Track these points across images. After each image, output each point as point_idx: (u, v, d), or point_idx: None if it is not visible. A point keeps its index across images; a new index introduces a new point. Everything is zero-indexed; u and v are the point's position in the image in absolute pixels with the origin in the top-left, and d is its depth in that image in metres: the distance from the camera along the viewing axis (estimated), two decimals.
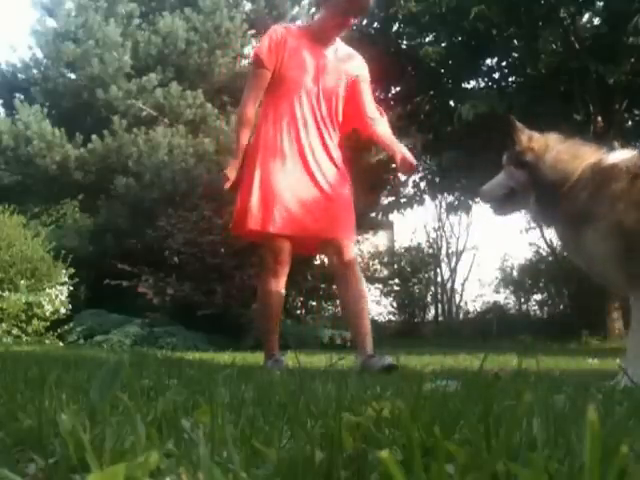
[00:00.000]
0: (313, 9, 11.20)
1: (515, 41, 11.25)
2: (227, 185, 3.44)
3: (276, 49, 3.31)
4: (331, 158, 3.43)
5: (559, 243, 17.59)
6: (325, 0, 3.35)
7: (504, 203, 2.58)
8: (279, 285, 3.41)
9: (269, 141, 3.35)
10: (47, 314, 9.29)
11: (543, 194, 2.34)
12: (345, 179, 3.50)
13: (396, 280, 16.23)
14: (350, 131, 3.76)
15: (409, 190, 13.86)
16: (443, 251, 19.02)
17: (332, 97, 3.49)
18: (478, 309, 17.68)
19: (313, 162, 3.36)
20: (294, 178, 3.33)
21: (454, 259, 19.20)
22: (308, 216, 3.33)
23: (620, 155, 2.29)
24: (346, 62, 3.55)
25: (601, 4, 10.40)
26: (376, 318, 15.74)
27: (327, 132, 3.44)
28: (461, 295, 18.96)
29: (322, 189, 3.36)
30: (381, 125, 3.69)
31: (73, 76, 13.46)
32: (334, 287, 14.41)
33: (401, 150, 3.43)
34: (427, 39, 11.62)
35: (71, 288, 9.95)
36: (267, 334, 3.48)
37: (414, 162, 3.40)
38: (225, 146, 12.22)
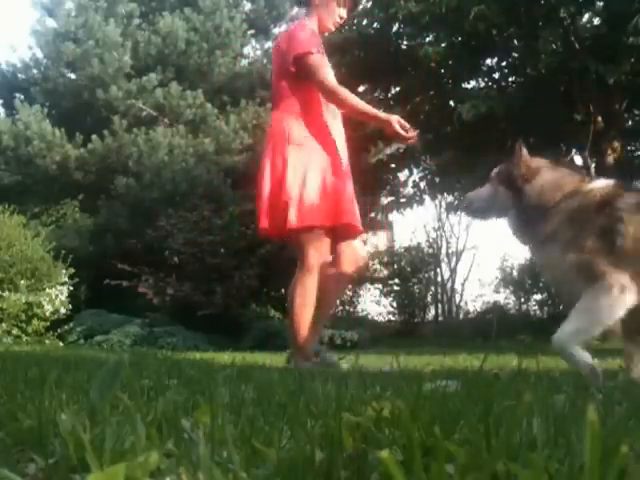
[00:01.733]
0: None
1: (515, 41, 11.24)
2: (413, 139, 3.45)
3: (321, 46, 3.43)
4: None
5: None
6: (327, 3, 3.46)
7: (483, 213, 2.80)
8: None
9: (304, 134, 3.36)
10: (47, 314, 9.28)
11: (523, 215, 2.56)
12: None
13: (396, 280, 16.23)
14: None
15: (409, 190, 13.86)
16: (443, 251, 19.05)
17: None
18: (478, 309, 17.68)
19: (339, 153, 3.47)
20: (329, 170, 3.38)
21: (454, 259, 19.22)
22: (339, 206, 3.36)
23: (598, 183, 2.52)
24: None
25: (601, 4, 10.39)
26: (376, 318, 15.75)
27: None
28: (461, 295, 18.97)
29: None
30: None
31: (73, 76, 13.47)
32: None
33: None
34: (427, 39, 11.61)
35: (71, 288, 9.95)
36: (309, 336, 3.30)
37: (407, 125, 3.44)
38: (225, 146, 12.23)
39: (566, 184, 2.51)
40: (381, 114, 3.44)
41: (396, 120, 3.37)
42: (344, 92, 3.38)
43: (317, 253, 3.28)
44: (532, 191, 2.51)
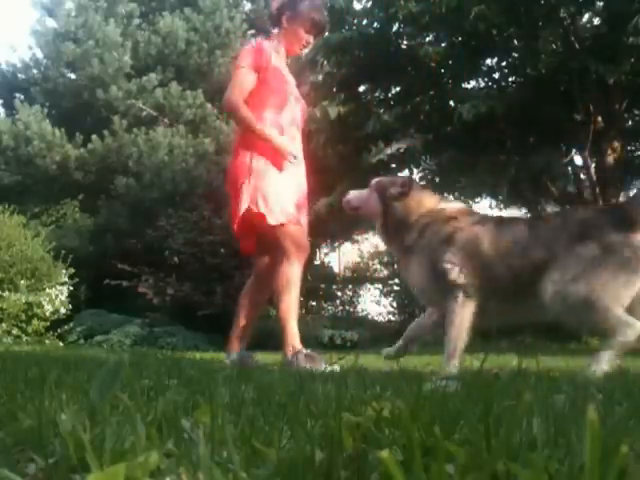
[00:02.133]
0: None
1: (515, 41, 11.23)
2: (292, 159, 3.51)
3: (265, 62, 3.48)
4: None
5: None
6: (290, 21, 3.55)
7: (356, 211, 3.22)
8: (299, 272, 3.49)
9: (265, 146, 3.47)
10: (47, 314, 9.28)
11: (389, 225, 3.05)
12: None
13: (396, 280, 16.22)
14: None
15: None
16: None
17: (304, 109, 3.73)
18: None
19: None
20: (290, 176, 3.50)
21: None
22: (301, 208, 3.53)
23: (451, 204, 3.10)
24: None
25: (601, 4, 10.39)
26: (376, 318, 15.73)
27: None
28: None
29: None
30: None
31: (73, 76, 13.46)
32: (333, 287, 14.43)
33: None
34: (427, 39, 11.61)
35: (71, 288, 9.95)
36: (294, 326, 3.42)
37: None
38: (225, 146, 12.23)
39: (427, 202, 3.01)
40: (276, 141, 3.43)
41: (288, 154, 3.45)
42: (243, 112, 3.45)
43: (294, 244, 3.44)
44: (400, 208, 2.99)
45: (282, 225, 3.40)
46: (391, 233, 3.03)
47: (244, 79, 3.47)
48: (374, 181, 3.14)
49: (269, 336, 9.26)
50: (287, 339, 3.36)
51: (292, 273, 3.42)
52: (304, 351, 3.28)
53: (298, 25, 3.53)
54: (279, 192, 3.41)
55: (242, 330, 3.61)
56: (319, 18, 3.54)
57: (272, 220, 3.37)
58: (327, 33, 12.10)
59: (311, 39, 3.62)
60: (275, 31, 3.66)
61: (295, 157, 3.46)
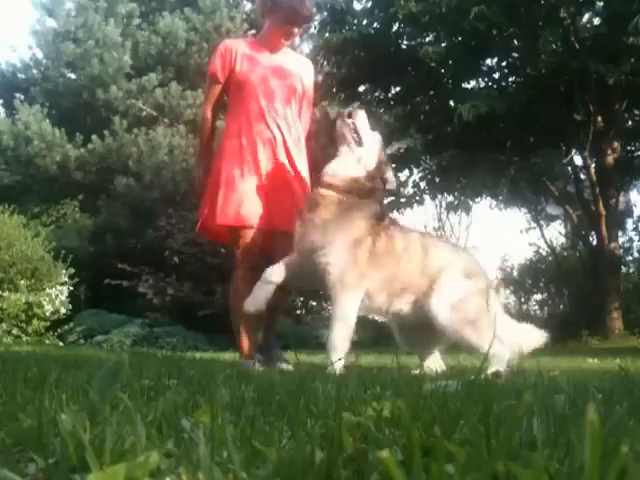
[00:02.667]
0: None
1: (515, 41, 11.23)
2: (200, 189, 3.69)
3: (229, 63, 3.51)
4: (289, 155, 3.53)
5: (559, 243, 17.62)
6: (270, 12, 3.53)
7: None
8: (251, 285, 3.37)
9: (233, 145, 3.48)
10: (47, 314, 9.28)
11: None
12: (302, 175, 3.57)
13: None
14: None
15: (409, 190, 13.85)
16: None
17: (290, 97, 3.60)
18: None
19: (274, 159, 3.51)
20: (257, 177, 3.46)
21: None
22: (274, 210, 3.42)
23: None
24: (299, 68, 3.70)
25: (601, 4, 10.39)
26: (376, 318, 15.73)
27: (287, 131, 3.54)
28: None
29: (283, 183, 3.48)
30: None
31: (73, 76, 13.47)
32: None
33: None
34: (427, 39, 11.60)
35: (71, 288, 9.95)
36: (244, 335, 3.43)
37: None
38: None
39: None
40: (201, 161, 3.79)
41: (200, 180, 3.76)
42: (205, 123, 3.64)
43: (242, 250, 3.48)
44: None
45: (230, 227, 3.44)
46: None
47: (209, 91, 3.61)
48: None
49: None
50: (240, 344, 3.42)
51: (239, 279, 3.48)
52: (256, 357, 3.33)
53: (279, 16, 3.50)
54: (242, 196, 3.41)
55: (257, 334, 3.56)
56: (300, 7, 3.49)
57: (218, 219, 3.43)
58: (327, 34, 12.14)
59: (295, 30, 3.59)
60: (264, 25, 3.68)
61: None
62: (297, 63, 3.73)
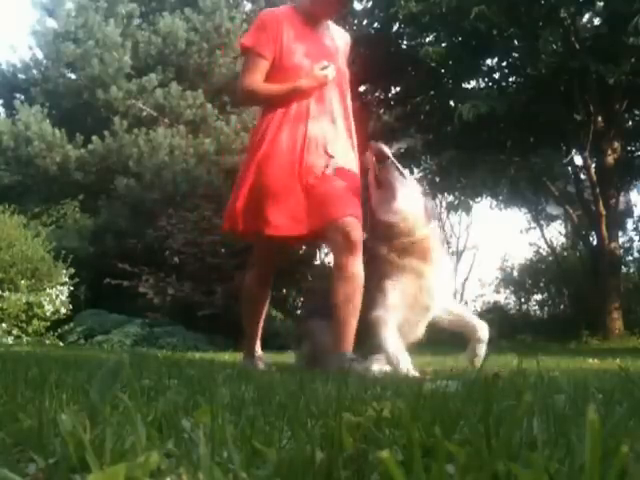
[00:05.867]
0: None
1: (515, 41, 11.24)
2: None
3: (273, 38, 3.02)
4: (338, 148, 3.06)
5: (559, 243, 17.61)
6: None
7: None
8: (266, 284, 3.32)
9: (270, 135, 3.01)
10: (47, 314, 9.28)
11: None
12: (353, 172, 3.10)
13: None
14: None
15: None
16: None
17: (341, 80, 3.15)
18: (478, 309, 17.69)
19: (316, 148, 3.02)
20: (291, 173, 2.98)
21: (454, 259, 19.22)
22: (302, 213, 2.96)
23: None
24: (342, 45, 3.25)
25: (601, 4, 10.39)
26: None
27: (338, 116, 3.09)
28: (461, 295, 18.97)
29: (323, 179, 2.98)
30: None
31: (73, 76, 13.47)
32: None
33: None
34: (427, 39, 11.62)
35: (71, 288, 9.95)
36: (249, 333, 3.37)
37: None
38: (225, 146, 12.23)
39: None
40: (300, 83, 2.97)
41: (321, 77, 2.99)
42: (257, 89, 3.07)
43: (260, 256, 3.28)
44: None
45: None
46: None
47: (252, 65, 3.05)
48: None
49: (271, 336, 9.27)
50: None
51: (254, 278, 3.30)
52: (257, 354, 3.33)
53: None
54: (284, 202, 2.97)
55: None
56: None
57: (269, 230, 2.97)
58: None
59: (342, 10, 3.12)
60: None
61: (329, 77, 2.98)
62: (340, 39, 3.26)
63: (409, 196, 2.99)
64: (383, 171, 3.01)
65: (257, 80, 3.04)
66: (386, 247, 2.94)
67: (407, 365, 2.82)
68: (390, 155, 3.06)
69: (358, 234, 2.93)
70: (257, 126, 3.17)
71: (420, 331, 3.08)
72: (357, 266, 2.91)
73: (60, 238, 10.89)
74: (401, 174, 3.04)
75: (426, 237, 2.96)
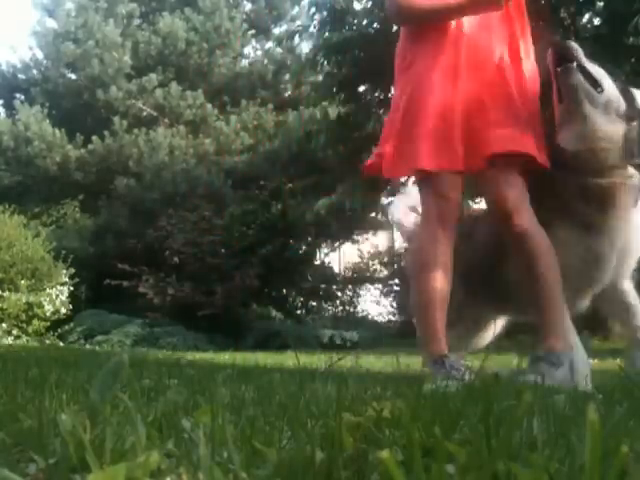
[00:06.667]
0: (313, 9, 11.14)
1: None
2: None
3: None
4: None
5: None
6: None
7: None
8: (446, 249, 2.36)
9: (428, 64, 2.50)
10: (47, 314, 9.29)
11: None
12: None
13: (396, 280, 16.22)
14: None
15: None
16: None
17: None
18: None
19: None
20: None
21: None
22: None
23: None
24: None
25: (601, 4, 10.38)
26: (376, 318, 15.74)
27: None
28: None
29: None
30: None
31: (73, 76, 13.48)
32: (334, 287, 14.44)
33: None
34: None
35: (71, 288, 9.96)
36: (430, 325, 2.31)
37: None
38: (225, 147, 12.23)
39: None
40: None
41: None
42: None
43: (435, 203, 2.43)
44: None
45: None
46: None
47: None
48: None
49: (271, 336, 9.28)
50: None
51: (427, 237, 2.40)
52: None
53: None
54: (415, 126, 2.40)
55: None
56: None
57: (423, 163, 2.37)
58: (327, 33, 12.14)
59: None
60: None
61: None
62: None
63: (601, 116, 2.19)
64: (566, 78, 2.29)
65: None
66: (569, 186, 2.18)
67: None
68: (578, 54, 2.34)
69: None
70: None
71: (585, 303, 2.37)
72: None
73: (60, 238, 10.90)
74: (594, 83, 2.24)
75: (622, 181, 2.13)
